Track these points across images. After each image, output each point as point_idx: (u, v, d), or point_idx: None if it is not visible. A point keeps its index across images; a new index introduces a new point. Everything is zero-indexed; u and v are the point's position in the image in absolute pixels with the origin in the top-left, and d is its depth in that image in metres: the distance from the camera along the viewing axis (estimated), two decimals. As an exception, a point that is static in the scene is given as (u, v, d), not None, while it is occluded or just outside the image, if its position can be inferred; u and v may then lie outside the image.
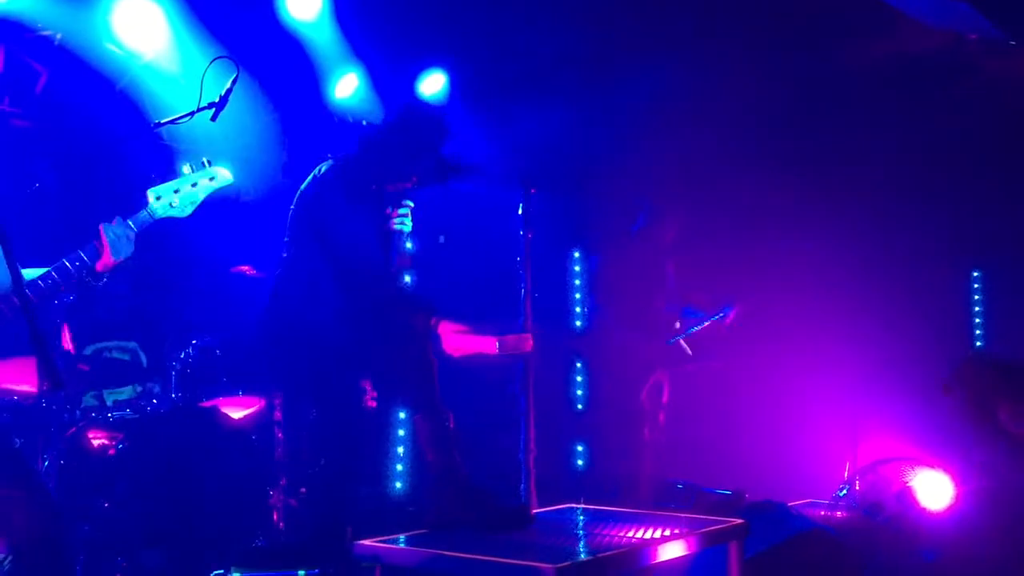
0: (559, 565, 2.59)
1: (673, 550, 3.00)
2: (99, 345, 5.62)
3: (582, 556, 2.72)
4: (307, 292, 3.61)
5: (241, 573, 4.09)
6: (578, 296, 6.41)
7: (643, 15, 5.64)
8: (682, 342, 5.91)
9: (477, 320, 3.87)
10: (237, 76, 3.68)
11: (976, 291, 7.56)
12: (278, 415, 4.98)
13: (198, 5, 5.49)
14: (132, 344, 5.74)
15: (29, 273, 3.06)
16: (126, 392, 5.54)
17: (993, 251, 7.09)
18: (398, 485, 5.79)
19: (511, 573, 2.68)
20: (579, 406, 6.02)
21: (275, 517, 4.64)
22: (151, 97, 5.61)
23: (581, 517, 3.51)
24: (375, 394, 3.73)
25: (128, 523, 4.18)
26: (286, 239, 3.76)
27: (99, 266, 3.12)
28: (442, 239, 5.98)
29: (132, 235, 3.15)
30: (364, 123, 3.89)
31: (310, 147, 3.83)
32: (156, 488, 4.28)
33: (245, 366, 5.25)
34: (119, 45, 5.51)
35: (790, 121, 6.22)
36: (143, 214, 3.25)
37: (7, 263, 2.33)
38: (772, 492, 4.91)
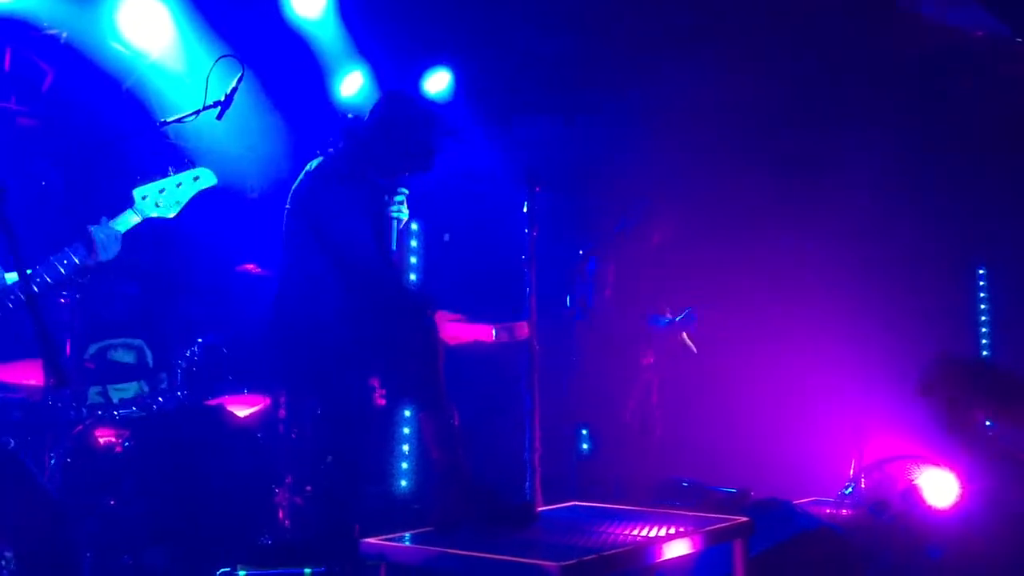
0: (564, 563, 2.59)
1: (678, 548, 2.99)
2: (104, 343, 5.65)
3: (587, 554, 2.72)
4: (308, 290, 3.61)
5: (247, 571, 4.10)
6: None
7: (646, 14, 5.64)
8: (687, 340, 5.90)
9: (483, 318, 3.87)
10: (242, 75, 3.69)
11: (982, 288, 7.55)
12: (283, 413, 4.99)
13: (203, 4, 5.51)
14: (138, 342, 5.77)
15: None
16: (131, 389, 5.57)
17: (999, 248, 7.08)
18: (403, 483, 5.80)
19: (516, 571, 2.69)
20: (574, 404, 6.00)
21: (281, 515, 4.65)
22: (157, 96, 5.63)
23: (586, 515, 3.51)
24: (384, 392, 3.74)
25: (134, 521, 4.19)
26: (284, 238, 3.76)
27: (88, 265, 3.13)
28: (447, 238, 5.99)
29: (118, 235, 3.17)
30: (349, 115, 3.86)
31: (315, 146, 3.82)
32: (162, 486, 4.29)
33: (250, 364, 5.26)
34: (125, 44, 5.53)
35: (792, 119, 6.22)
36: (129, 213, 3.27)
37: (15, 260, 2.34)
38: (777, 490, 4.91)
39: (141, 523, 4.20)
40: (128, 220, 3.26)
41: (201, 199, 3.45)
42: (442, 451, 3.40)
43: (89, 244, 3.08)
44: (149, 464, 4.31)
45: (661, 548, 2.94)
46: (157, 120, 3.88)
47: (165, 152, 5.33)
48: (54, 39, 5.40)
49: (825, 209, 6.27)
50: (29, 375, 4.70)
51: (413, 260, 6.29)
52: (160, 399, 4.89)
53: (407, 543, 3.03)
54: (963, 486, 4.67)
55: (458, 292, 3.89)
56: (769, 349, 6.31)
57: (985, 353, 7.10)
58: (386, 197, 3.78)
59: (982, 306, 7.52)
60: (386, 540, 3.02)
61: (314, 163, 3.74)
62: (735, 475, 5.73)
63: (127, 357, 5.73)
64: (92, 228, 3.10)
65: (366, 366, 3.65)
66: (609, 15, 5.71)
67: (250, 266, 5.46)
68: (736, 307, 6.37)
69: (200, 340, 5.12)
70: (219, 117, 3.67)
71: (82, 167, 5.49)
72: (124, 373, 5.44)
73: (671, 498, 5.54)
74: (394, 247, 3.79)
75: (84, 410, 4.67)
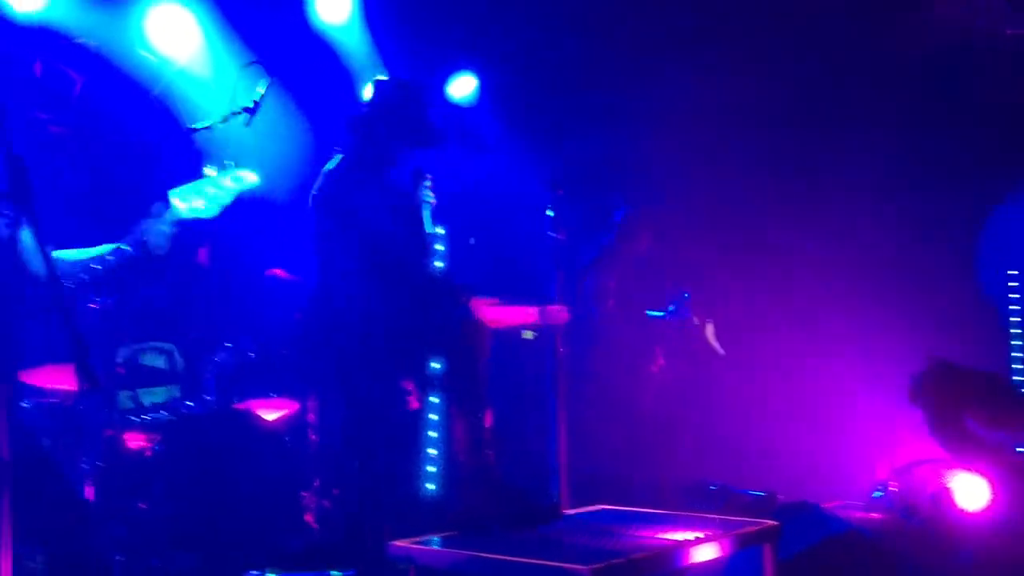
0: (593, 566, 2.59)
1: (706, 552, 2.98)
2: (135, 347, 5.69)
3: (615, 557, 2.72)
4: (341, 290, 3.63)
5: (275, 574, 4.12)
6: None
7: (661, 15, 5.65)
8: (713, 341, 5.88)
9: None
10: (269, 81, 3.72)
11: (1014, 289, 7.45)
12: (311, 417, 5.01)
13: (230, 11, 5.56)
14: (169, 346, 5.81)
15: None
16: (161, 393, 5.60)
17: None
18: (431, 486, 5.81)
19: (544, 574, 2.69)
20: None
21: (309, 518, 4.67)
22: (184, 103, 5.68)
23: (613, 518, 3.51)
24: (416, 395, 3.75)
25: (164, 524, 4.23)
26: (314, 241, 3.78)
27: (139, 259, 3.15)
28: (473, 242, 5.99)
29: (167, 233, 3.18)
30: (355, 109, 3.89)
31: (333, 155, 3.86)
32: (191, 490, 4.32)
33: (278, 368, 5.29)
34: (153, 52, 5.59)
35: (812, 119, 6.18)
36: (168, 214, 3.27)
37: (46, 267, 2.37)
38: (806, 493, 4.87)
39: (171, 526, 4.23)
40: (168, 220, 3.27)
41: (231, 204, 3.46)
42: (472, 452, 3.40)
43: (142, 238, 3.11)
44: (179, 468, 4.34)
45: (689, 552, 2.93)
46: (185, 127, 3.91)
47: (194, 158, 5.37)
48: (83, 48, 5.47)
49: (858, 208, 6.23)
50: (61, 379, 4.75)
51: (439, 264, 6.30)
52: (189, 403, 4.93)
53: (435, 546, 3.04)
54: (994, 490, 4.61)
55: (484, 296, 3.90)
56: (798, 350, 6.27)
57: (1018, 355, 7.01)
58: (414, 181, 3.79)
59: (1014, 307, 7.42)
60: (414, 543, 3.03)
61: (331, 163, 3.77)
62: (763, 478, 5.69)
63: (158, 361, 5.77)
64: (144, 222, 3.12)
65: (399, 368, 3.66)
66: (632, 17, 5.71)
67: (278, 271, 5.50)
68: (765, 308, 6.34)
69: (228, 344, 5.16)
70: (247, 123, 3.70)
71: (112, 174, 5.55)
72: (154, 377, 5.49)
73: (699, 501, 5.52)
74: (429, 229, 3.80)
75: (115, 414, 4.71)
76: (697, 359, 5.97)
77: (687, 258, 6.19)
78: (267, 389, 5.11)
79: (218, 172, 3.39)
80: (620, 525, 3.29)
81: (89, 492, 4.33)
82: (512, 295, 3.88)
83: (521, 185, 6.10)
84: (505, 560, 2.79)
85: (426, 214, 3.79)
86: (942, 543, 4.44)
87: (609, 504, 3.79)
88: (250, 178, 3.44)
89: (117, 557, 4.18)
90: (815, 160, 6.31)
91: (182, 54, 5.61)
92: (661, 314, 5.82)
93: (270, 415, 5.03)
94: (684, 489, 5.63)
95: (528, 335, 5.15)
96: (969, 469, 1.72)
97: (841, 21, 5.63)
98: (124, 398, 5.27)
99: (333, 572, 4.03)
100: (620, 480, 5.51)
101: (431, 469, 5.84)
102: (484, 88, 6.51)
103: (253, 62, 3.81)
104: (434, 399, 5.29)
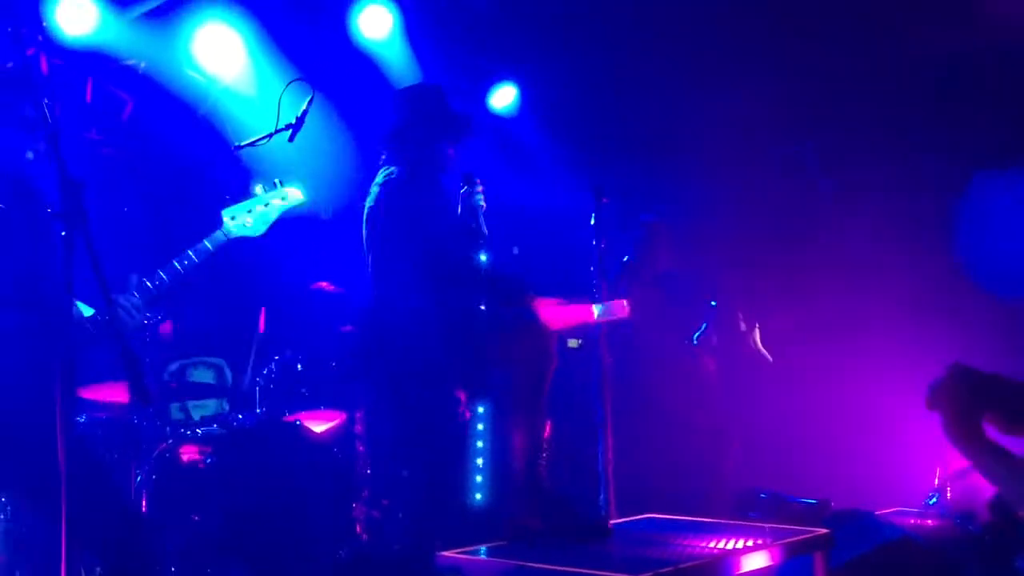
0: (640, 576, 2.58)
1: (756, 561, 2.95)
2: (185, 361, 5.79)
3: (663, 567, 2.71)
4: (399, 303, 3.64)
5: (326, 584, 4.16)
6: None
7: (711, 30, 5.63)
8: (761, 348, 5.82)
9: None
10: (312, 97, 3.77)
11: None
12: (359, 428, 5.05)
13: (274, 29, 5.64)
14: (218, 360, 5.90)
15: None
16: (211, 406, 5.69)
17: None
18: (478, 496, 5.82)
19: (592, 584, 2.68)
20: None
21: (358, 529, 4.71)
22: (231, 121, 5.78)
23: (661, 527, 3.49)
24: (469, 406, 3.76)
25: (216, 535, 4.29)
26: (367, 256, 3.80)
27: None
28: (516, 250, 6.01)
29: (141, 307, 3.17)
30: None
31: (377, 168, 3.89)
32: (243, 501, 4.38)
33: (326, 380, 5.34)
34: (200, 71, 5.69)
35: (851, 123, 6.10)
36: (218, 234, 3.35)
37: (97, 281, 2.43)
38: (858, 500, 4.80)
39: (223, 537, 4.29)
40: (217, 239, 3.33)
41: (277, 220, 3.52)
42: (525, 461, 3.39)
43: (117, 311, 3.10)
44: (231, 480, 4.41)
45: (739, 561, 2.91)
46: (232, 144, 3.98)
47: (241, 175, 5.47)
48: (132, 69, 5.59)
49: (914, 214, 6.14)
50: (114, 395, 4.85)
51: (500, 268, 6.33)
52: (240, 416, 5.01)
53: (483, 556, 3.05)
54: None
55: (546, 296, 3.92)
56: (850, 355, 6.19)
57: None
58: (465, 187, 3.81)
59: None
60: (462, 553, 3.05)
61: (382, 175, 3.79)
62: (815, 485, 5.62)
63: (207, 376, 5.87)
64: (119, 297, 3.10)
65: (454, 378, 3.68)
66: (674, 27, 5.70)
67: (324, 284, 5.56)
68: (817, 313, 6.26)
69: (277, 357, 5.22)
70: (291, 139, 3.76)
71: (162, 193, 5.66)
72: (204, 391, 5.58)
73: (749, 510, 5.46)
74: (486, 232, 3.82)
75: (168, 428, 4.80)
76: (744, 366, 5.92)
77: (733, 264, 6.14)
78: (315, 401, 5.16)
79: (265, 190, 3.45)
80: (668, 534, 3.27)
81: (143, 504, 4.41)
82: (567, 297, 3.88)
83: (564, 194, 6.11)
84: (553, 570, 2.79)
85: (480, 218, 3.80)
86: (1000, 550, 4.34)
87: (657, 513, 3.78)
88: (296, 195, 3.50)
89: (172, 568, 4.25)
90: (864, 161, 6.23)
91: (228, 73, 5.71)
92: (696, 333, 5.78)
93: (318, 427, 5.08)
94: (734, 497, 5.58)
95: (574, 344, 5.14)
96: (986, 476, 1.68)
97: (870, 28, 5.55)
98: (175, 411, 5.37)
99: (383, 582, 4.06)
100: (668, 489, 5.48)
101: (479, 479, 5.85)
102: (525, 98, 6.53)
103: (297, 79, 3.86)
104: (481, 408, 5.32)
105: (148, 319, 4.79)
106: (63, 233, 2.42)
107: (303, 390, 5.17)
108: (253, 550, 4.32)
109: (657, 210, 5.91)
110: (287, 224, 3.60)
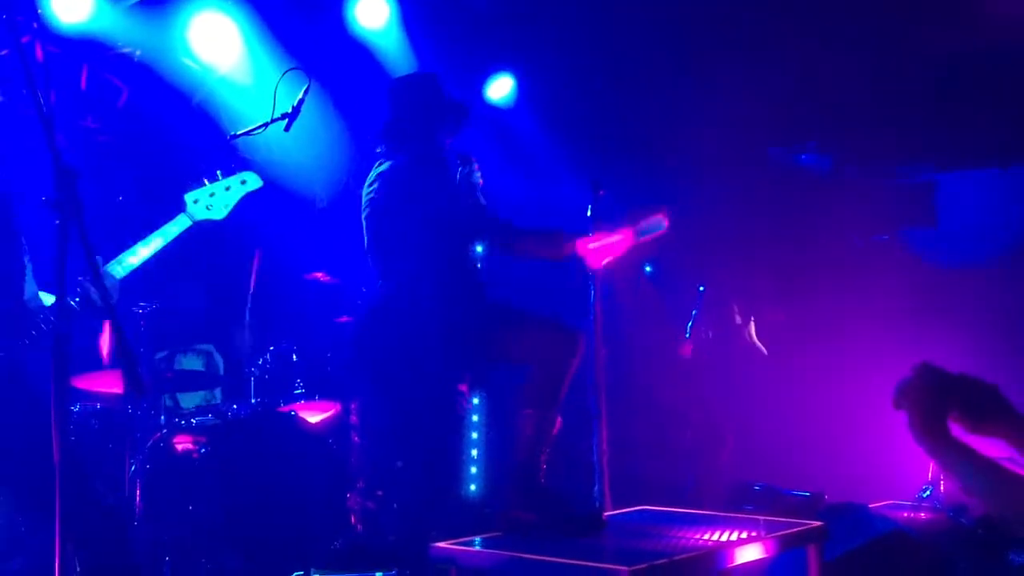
0: (634, 567, 2.58)
1: (750, 553, 2.96)
2: (171, 350, 5.76)
3: (658, 558, 2.71)
4: (403, 293, 3.59)
5: (320, 574, 4.16)
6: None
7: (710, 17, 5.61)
8: (756, 341, 5.83)
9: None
10: (308, 87, 3.75)
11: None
12: (354, 419, 5.05)
13: (271, 18, 5.62)
14: (208, 346, 5.87)
15: None
16: (199, 397, 5.67)
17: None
18: (473, 487, 5.83)
19: (586, 575, 2.68)
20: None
21: (353, 519, 4.71)
22: (226, 110, 5.76)
23: (655, 519, 3.49)
24: (470, 397, 3.74)
25: (211, 525, 4.29)
26: (370, 247, 3.75)
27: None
28: None
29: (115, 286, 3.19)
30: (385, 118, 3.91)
31: (374, 158, 3.87)
32: (238, 491, 4.38)
33: (321, 371, 5.34)
34: (195, 60, 5.67)
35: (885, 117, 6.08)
36: (182, 217, 3.40)
37: (92, 274, 2.42)
38: (852, 493, 4.81)
39: (218, 527, 4.29)
40: (182, 224, 3.39)
41: (270, 208, 3.53)
42: (529, 454, 3.38)
43: (85, 293, 3.09)
44: (225, 470, 4.41)
45: (733, 553, 2.91)
46: (227, 133, 3.97)
47: (237, 163, 5.45)
48: (128, 57, 5.56)
49: (905, 203, 6.15)
50: (108, 384, 4.85)
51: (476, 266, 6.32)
52: (235, 406, 5.00)
53: (477, 547, 3.05)
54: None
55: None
56: (842, 347, 6.19)
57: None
58: (461, 167, 3.79)
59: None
60: (456, 544, 3.05)
61: (383, 166, 3.76)
62: (809, 478, 5.63)
63: (196, 363, 5.84)
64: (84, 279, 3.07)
65: (456, 369, 3.65)
66: (674, 19, 5.68)
67: (319, 274, 5.55)
68: (810, 307, 6.27)
69: (272, 348, 5.22)
70: (287, 129, 3.74)
71: (157, 181, 5.64)
72: (193, 380, 5.56)
73: (743, 502, 5.47)
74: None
75: (162, 418, 4.79)
76: (739, 359, 5.92)
77: (729, 259, 6.14)
78: (310, 392, 5.16)
79: (224, 175, 3.50)
80: (662, 526, 3.27)
81: (137, 495, 4.41)
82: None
83: (560, 186, 6.10)
84: (546, 561, 2.79)
85: (479, 195, 3.78)
86: (992, 543, 4.36)
87: (651, 505, 3.78)
88: (255, 179, 3.55)
89: (166, 558, 4.25)
90: (864, 158, 6.23)
91: (224, 62, 5.69)
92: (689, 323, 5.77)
93: (313, 417, 5.08)
94: (728, 490, 5.58)
95: None
96: (952, 474, 1.69)
97: (870, 27, 5.54)
98: (164, 397, 5.35)
99: (376, 573, 4.06)
100: (663, 480, 5.49)
101: (473, 470, 5.86)
102: (522, 89, 6.52)
103: (293, 68, 3.85)
104: (477, 400, 5.31)
105: (142, 308, 4.78)
106: (56, 222, 2.41)
107: (298, 380, 5.17)
108: (248, 540, 4.32)
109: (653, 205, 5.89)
110: (282, 213, 3.59)
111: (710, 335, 5.91)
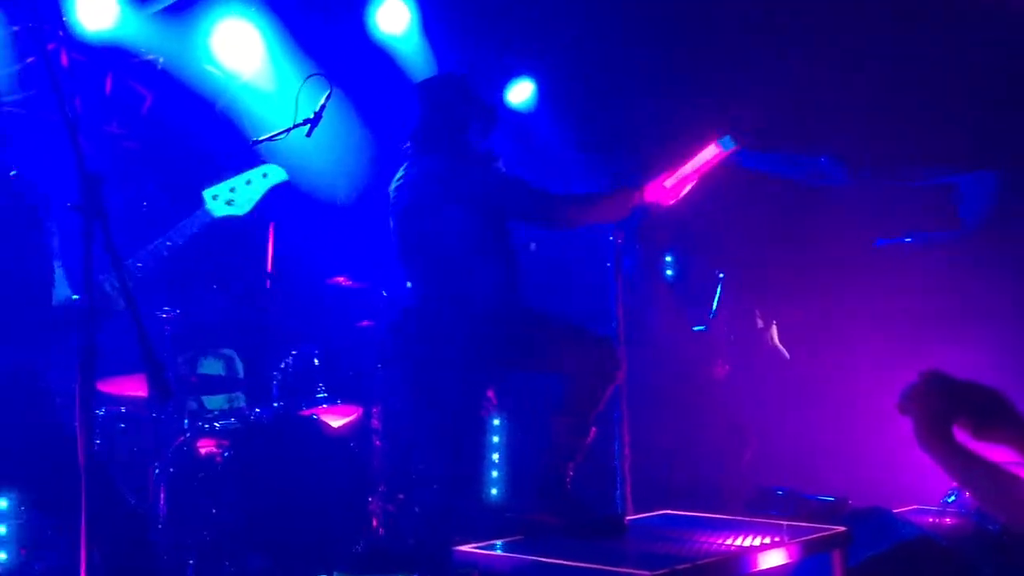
0: (656, 572, 2.57)
1: (773, 558, 2.94)
2: (193, 353, 5.79)
3: (680, 563, 2.70)
4: (445, 296, 3.54)
5: (342, 577, 4.18)
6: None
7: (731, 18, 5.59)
8: (778, 344, 5.80)
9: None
10: (330, 92, 3.77)
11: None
12: (376, 423, 5.07)
13: (292, 25, 5.66)
14: (228, 351, 5.90)
15: None
16: (223, 398, 5.71)
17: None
18: (494, 491, 5.83)
19: (608, 580, 2.68)
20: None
21: (375, 523, 4.72)
22: (249, 115, 5.80)
23: (677, 524, 3.48)
24: (495, 403, 3.71)
25: (234, 528, 4.32)
26: (401, 249, 3.68)
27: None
28: (533, 246, 5.99)
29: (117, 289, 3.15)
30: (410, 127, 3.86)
31: (401, 159, 3.87)
32: (261, 494, 4.40)
33: (343, 375, 5.35)
34: (218, 66, 5.71)
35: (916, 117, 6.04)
36: (199, 213, 3.33)
37: (118, 279, 2.44)
38: (876, 498, 4.77)
39: (241, 530, 4.32)
40: (199, 219, 3.32)
41: (292, 212, 3.52)
42: (558, 461, 3.37)
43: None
44: (248, 473, 4.43)
45: (756, 558, 2.89)
46: (250, 139, 3.99)
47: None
48: (151, 64, 5.62)
49: (932, 205, 6.10)
50: (133, 388, 4.89)
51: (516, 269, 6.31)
52: (257, 410, 5.03)
53: (499, 551, 3.05)
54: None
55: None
56: (864, 350, 6.15)
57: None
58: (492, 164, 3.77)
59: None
60: (478, 548, 3.05)
61: (415, 166, 3.71)
62: (833, 482, 5.59)
63: (217, 367, 5.87)
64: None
65: (485, 373, 3.62)
66: (691, 22, 5.67)
67: (341, 279, 5.57)
68: (833, 310, 6.23)
69: (294, 352, 5.24)
70: (309, 134, 3.76)
71: (181, 187, 5.68)
72: (215, 384, 5.60)
73: (766, 507, 5.44)
74: None
75: (185, 421, 4.82)
76: (761, 361, 5.89)
77: (749, 262, 6.12)
78: (332, 396, 5.18)
79: (246, 169, 3.46)
80: (685, 530, 3.26)
81: (161, 498, 4.44)
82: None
83: (581, 189, 6.08)
84: (568, 565, 2.79)
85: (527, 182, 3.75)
86: (1019, 548, 4.31)
87: (673, 509, 3.77)
88: (278, 172, 3.49)
89: (189, 561, 4.28)
90: (880, 159, 6.19)
91: (246, 68, 5.73)
92: (703, 327, 5.74)
93: (335, 421, 5.09)
94: (751, 494, 5.56)
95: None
96: (956, 479, 1.69)
97: (895, 27, 5.50)
98: (189, 403, 5.39)
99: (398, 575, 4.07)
100: (685, 485, 5.47)
101: (495, 474, 5.87)
102: (542, 93, 6.52)
103: (315, 74, 3.86)
104: (500, 405, 5.31)
105: (166, 312, 4.81)
106: (82, 227, 2.43)
107: (320, 384, 5.19)
108: (270, 543, 4.34)
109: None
110: (304, 217, 3.60)
111: (732, 338, 5.89)
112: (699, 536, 3.12)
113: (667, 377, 5.63)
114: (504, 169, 3.72)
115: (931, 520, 5.08)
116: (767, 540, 3.01)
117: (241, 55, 5.65)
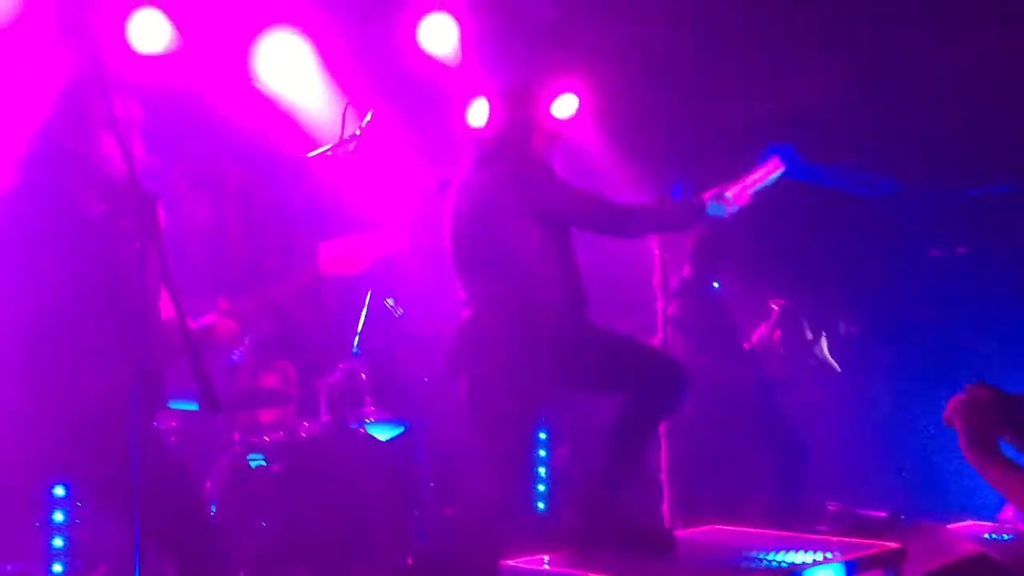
0: (705, 588, 2.55)
1: (825, 575, 2.90)
2: (251, 367, 5.86)
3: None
4: (511, 309, 3.45)
5: (390, 590, 4.19)
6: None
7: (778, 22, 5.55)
8: (828, 358, 5.72)
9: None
10: (375, 109, 3.82)
11: None
12: (423, 436, 5.09)
13: (339, 43, 5.73)
14: (283, 365, 5.97)
15: None
16: (276, 413, 5.76)
17: None
18: (541, 505, 5.82)
19: (656, 595, 2.66)
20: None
21: (422, 536, 4.74)
22: (297, 132, 5.88)
23: (725, 539, 3.44)
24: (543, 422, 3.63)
25: (283, 540, 4.36)
26: (460, 262, 3.61)
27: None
28: (391, 302, 5.91)
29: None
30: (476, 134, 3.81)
31: (457, 163, 3.84)
32: (309, 507, 4.44)
33: (390, 389, 5.39)
34: (266, 84, 5.81)
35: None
36: None
37: (172, 298, 2.47)
38: (930, 513, 4.69)
39: (289, 543, 4.36)
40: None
41: (338, 230, 3.53)
42: (611, 477, 3.32)
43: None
44: (296, 487, 4.47)
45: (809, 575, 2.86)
46: (300, 155, 4.04)
47: (311, 185, 5.52)
48: (202, 83, 5.71)
49: (981, 213, 6.00)
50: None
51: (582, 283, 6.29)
52: (306, 424, 5.08)
53: (546, 566, 3.04)
54: None
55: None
56: (917, 364, 6.06)
57: None
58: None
59: None
60: (524, 561, 3.04)
61: (475, 177, 3.64)
62: (886, 498, 5.51)
63: (271, 380, 5.93)
64: None
65: (539, 390, 3.55)
66: (740, 27, 5.63)
67: (391, 300, 5.58)
68: (885, 323, 6.15)
69: (342, 366, 5.28)
70: (352, 150, 3.81)
71: (233, 204, 5.77)
72: (270, 398, 5.65)
73: (817, 522, 5.36)
74: None
75: (236, 434, 4.88)
76: (812, 375, 5.81)
77: (799, 274, 6.05)
78: (379, 409, 5.21)
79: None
80: (734, 546, 3.23)
81: (212, 510, 4.50)
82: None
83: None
84: (617, 580, 2.77)
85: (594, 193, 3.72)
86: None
87: (722, 524, 3.73)
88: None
89: (240, 573, 4.33)
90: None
91: (293, 86, 5.82)
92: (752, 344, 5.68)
93: (383, 435, 5.13)
94: (802, 509, 5.48)
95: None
96: (1001, 492, 1.66)
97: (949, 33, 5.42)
98: (241, 416, 5.45)
99: (445, 589, 4.08)
100: (734, 499, 5.41)
101: (541, 488, 5.85)
102: (585, 108, 6.53)
103: (361, 90, 3.91)
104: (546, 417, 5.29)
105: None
106: (137, 245, 2.48)
107: (367, 398, 5.22)
108: (318, 556, 4.38)
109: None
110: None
111: (782, 352, 5.82)
112: (748, 551, 3.08)
113: (719, 390, 5.58)
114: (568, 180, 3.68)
115: (986, 537, 4.97)
116: (819, 556, 2.97)
117: (288, 72, 5.74)
